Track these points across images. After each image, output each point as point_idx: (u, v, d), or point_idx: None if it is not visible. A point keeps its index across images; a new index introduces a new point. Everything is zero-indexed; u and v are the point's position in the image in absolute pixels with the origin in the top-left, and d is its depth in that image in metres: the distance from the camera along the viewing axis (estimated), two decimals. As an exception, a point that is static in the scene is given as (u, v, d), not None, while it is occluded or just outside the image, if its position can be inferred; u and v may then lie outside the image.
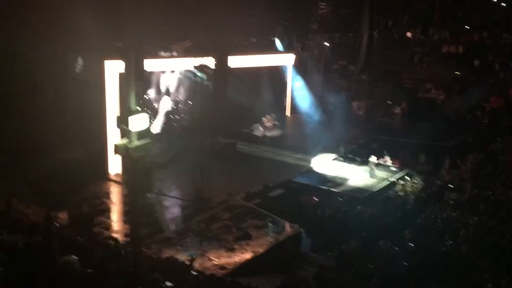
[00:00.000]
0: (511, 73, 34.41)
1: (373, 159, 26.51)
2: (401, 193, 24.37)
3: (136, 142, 12.95)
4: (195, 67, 22.63)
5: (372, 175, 26.21)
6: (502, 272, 16.71)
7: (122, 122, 12.87)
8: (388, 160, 27.92)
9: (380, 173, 26.68)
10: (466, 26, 37.81)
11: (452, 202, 22.54)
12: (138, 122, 12.91)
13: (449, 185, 24.50)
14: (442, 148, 29.38)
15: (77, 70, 25.74)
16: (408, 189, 24.55)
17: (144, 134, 13.09)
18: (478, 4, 37.35)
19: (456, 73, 36.30)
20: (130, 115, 12.74)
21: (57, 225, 17.93)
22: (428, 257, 18.02)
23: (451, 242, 18.93)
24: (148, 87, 28.21)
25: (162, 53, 27.70)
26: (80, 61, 25.62)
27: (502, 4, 37.62)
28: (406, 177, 26.02)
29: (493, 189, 23.18)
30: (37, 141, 22.98)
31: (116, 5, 15.20)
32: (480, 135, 31.78)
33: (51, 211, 19.23)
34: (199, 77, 22.62)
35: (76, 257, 10.26)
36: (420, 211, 22.27)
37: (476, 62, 35.93)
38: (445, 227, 20.33)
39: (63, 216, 19.72)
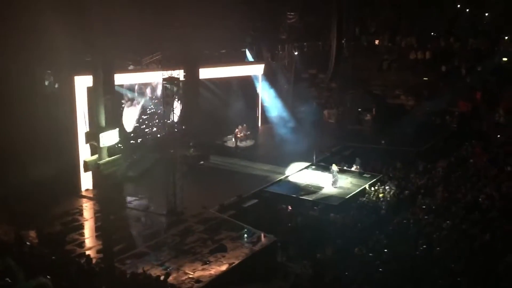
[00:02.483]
0: (477, 78, 35.00)
1: (334, 167, 26.66)
2: (374, 199, 24.53)
3: (106, 158, 12.85)
4: (164, 79, 22.53)
5: (334, 183, 26.30)
6: (476, 274, 16.91)
7: (92, 138, 12.77)
8: (358, 167, 28.11)
9: (353, 180, 26.87)
10: (432, 33, 38.43)
11: (425, 207, 22.75)
12: (108, 137, 12.81)
13: (421, 189, 24.75)
14: (413, 153, 29.71)
15: (46, 85, 25.45)
16: (381, 195, 24.73)
17: (115, 148, 13.00)
18: (444, 11, 37.94)
19: (424, 79, 36.81)
20: (100, 131, 12.64)
21: (29, 244, 17.62)
22: (403, 261, 18.16)
23: (425, 246, 19.09)
24: (119, 100, 28.02)
25: (132, 67, 27.57)
26: (49, 76, 25.33)
27: (467, 10, 38.32)
28: (378, 183, 26.21)
29: (464, 192, 23.48)
30: (6, 157, 22.59)
31: (86, 19, 15.12)
32: (450, 139, 32.23)
33: (22, 230, 18.97)
34: (169, 89, 22.49)
35: (48, 277, 10.07)
36: (393, 216, 22.45)
37: (444, 68, 36.49)
38: (418, 231, 20.50)
39: (34, 234, 19.37)
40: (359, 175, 27.53)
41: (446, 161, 27.71)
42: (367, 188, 25.71)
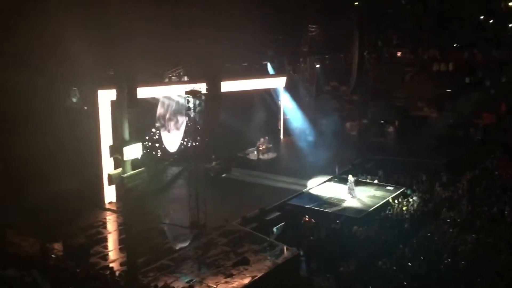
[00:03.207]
0: (502, 89, 34.66)
1: (351, 178, 26.57)
2: (398, 212, 24.32)
3: (130, 171, 12.95)
4: (187, 92, 22.68)
5: (351, 193, 26.24)
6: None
7: (116, 151, 12.90)
8: (377, 180, 27.95)
9: (376, 193, 26.69)
10: (455, 44, 38.20)
11: (449, 220, 22.50)
12: (132, 151, 12.93)
13: (445, 202, 24.49)
14: (437, 166, 29.42)
15: (71, 100, 25.78)
16: (404, 208, 24.51)
17: (138, 162, 13.10)
18: (466, 22, 37.73)
19: (447, 91, 36.54)
20: (124, 145, 12.75)
21: (53, 256, 17.80)
22: (428, 275, 17.96)
23: (449, 259, 18.86)
24: (142, 114, 28.23)
25: (155, 80, 27.79)
26: (73, 91, 25.68)
27: (490, 21, 38.05)
28: (402, 195, 26.00)
29: (489, 205, 23.19)
30: (32, 171, 22.92)
31: (109, 34, 15.33)
32: (474, 151, 31.89)
33: (47, 243, 19.16)
34: (191, 102, 22.64)
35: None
36: (417, 229, 22.23)
37: (467, 79, 36.20)
38: (443, 244, 20.27)
39: (59, 247, 19.55)
40: (382, 187, 27.34)
41: (471, 174, 27.41)
42: (391, 200, 25.50)
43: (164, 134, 28.27)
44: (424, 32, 38.80)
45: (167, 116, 28.46)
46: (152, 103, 27.95)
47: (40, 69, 23.11)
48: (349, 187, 26.35)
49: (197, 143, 23.39)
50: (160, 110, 28.28)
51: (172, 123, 28.49)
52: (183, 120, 28.23)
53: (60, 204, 22.58)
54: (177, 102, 28.27)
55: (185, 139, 28.91)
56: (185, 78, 28.25)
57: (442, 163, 30.00)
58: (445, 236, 20.99)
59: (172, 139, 28.38)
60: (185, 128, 28.23)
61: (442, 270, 18.43)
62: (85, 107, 25.00)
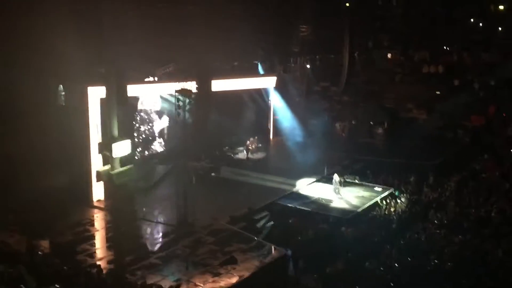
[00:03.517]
0: (490, 92, 34.86)
1: (336, 177, 26.72)
2: (386, 213, 24.41)
3: (119, 168, 12.93)
4: (177, 91, 22.62)
5: (336, 192, 26.44)
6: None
7: (105, 148, 12.87)
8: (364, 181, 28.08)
9: (364, 194, 26.77)
10: (445, 47, 38.43)
11: (436, 221, 22.61)
12: (121, 148, 12.90)
13: (433, 203, 24.61)
14: (425, 167, 29.55)
15: (59, 96, 25.64)
16: (392, 208, 24.61)
17: (127, 159, 13.07)
18: (457, 25, 37.96)
19: (436, 93, 36.73)
20: (113, 142, 12.73)
21: (40, 253, 17.72)
22: (414, 276, 18.04)
23: (436, 260, 18.96)
24: (131, 112, 28.22)
25: (145, 78, 27.74)
26: (62, 87, 25.53)
27: (480, 24, 38.31)
28: (390, 196, 26.10)
29: (476, 206, 23.32)
30: (19, 168, 22.77)
31: (98, 31, 15.29)
32: (462, 153, 32.07)
33: (34, 240, 19.05)
34: (181, 101, 22.58)
35: (58, 286, 10.15)
36: (404, 230, 22.32)
37: (456, 82, 36.41)
38: (430, 245, 20.37)
39: (45, 244, 19.45)
40: (371, 188, 27.42)
41: (459, 176, 27.56)
42: (379, 201, 25.59)
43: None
44: (414, 34, 38.98)
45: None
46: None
47: (28, 66, 22.91)
48: (334, 187, 26.49)
49: (187, 142, 23.33)
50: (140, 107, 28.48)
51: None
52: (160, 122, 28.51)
53: (47, 201, 22.46)
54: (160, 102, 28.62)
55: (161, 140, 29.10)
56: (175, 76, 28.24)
57: (430, 164, 30.12)
58: (433, 237, 21.09)
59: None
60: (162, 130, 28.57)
61: (429, 270, 18.51)
62: (71, 103, 24.88)
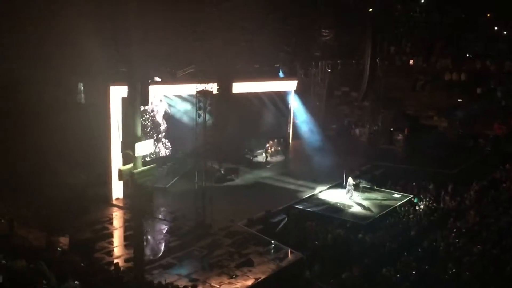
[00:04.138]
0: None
1: (350, 180, 26.89)
2: (404, 220, 24.25)
3: (141, 167, 13.02)
4: (198, 92, 22.73)
5: (349, 195, 26.56)
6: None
7: (128, 147, 12.95)
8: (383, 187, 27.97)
9: (383, 200, 26.65)
10: (468, 55, 38.12)
11: (455, 230, 22.41)
12: (143, 147, 13.00)
13: (452, 212, 24.41)
14: (445, 175, 29.33)
15: (81, 95, 25.87)
16: (411, 216, 24.44)
17: (148, 157, 13.17)
18: (480, 33, 37.65)
19: (458, 101, 36.46)
20: (136, 141, 12.82)
21: (59, 250, 17.89)
22: (432, 284, 17.89)
23: (454, 270, 18.78)
24: (152, 112, 28.46)
25: (167, 79, 27.87)
26: (84, 86, 25.75)
27: (504, 32, 37.95)
28: (408, 203, 25.93)
29: (496, 216, 23.07)
30: (40, 165, 23.01)
31: (122, 30, 15.38)
32: (483, 162, 31.77)
33: (53, 236, 19.23)
34: (202, 102, 22.68)
35: (77, 282, 10.24)
36: (422, 238, 22.15)
37: (479, 90, 36.09)
38: (448, 254, 20.19)
39: (64, 241, 19.63)
40: (390, 195, 27.28)
41: (479, 185, 27.30)
42: (397, 208, 25.44)
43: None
44: (437, 41, 38.74)
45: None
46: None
47: (51, 64, 23.14)
48: (347, 189, 26.62)
49: (206, 143, 23.40)
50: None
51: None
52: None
53: (67, 198, 22.68)
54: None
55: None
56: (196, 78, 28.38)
57: (450, 172, 29.91)
58: (451, 246, 20.90)
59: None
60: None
61: (446, 279, 18.35)
62: (92, 102, 25.08)
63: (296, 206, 25.59)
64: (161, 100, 29.07)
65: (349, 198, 26.43)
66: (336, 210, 25.51)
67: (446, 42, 38.66)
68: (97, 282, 14.58)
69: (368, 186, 27.68)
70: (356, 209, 25.72)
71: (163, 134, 29.49)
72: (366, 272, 19.27)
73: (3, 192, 21.48)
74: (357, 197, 26.71)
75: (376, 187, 28.12)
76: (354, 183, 26.91)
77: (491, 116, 34.59)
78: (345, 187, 27.12)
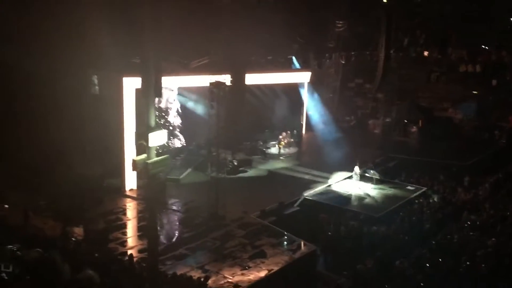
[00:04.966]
0: (529, 93, 34.18)
1: (357, 169, 27.04)
2: (418, 212, 24.12)
3: (154, 158, 13.03)
4: (211, 84, 22.71)
5: (356, 183, 26.81)
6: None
7: (141, 138, 12.97)
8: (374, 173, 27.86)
9: (396, 192, 26.52)
10: (483, 46, 37.70)
11: (470, 222, 22.26)
12: (157, 138, 13.01)
13: (467, 205, 24.24)
14: (460, 168, 29.12)
15: (95, 86, 25.94)
16: (425, 208, 24.30)
17: (161, 149, 13.20)
18: (496, 24, 37.20)
19: (473, 92, 36.15)
20: (150, 131, 12.83)
21: (73, 240, 18.02)
22: (446, 277, 17.80)
23: (468, 262, 18.66)
24: (166, 103, 28.49)
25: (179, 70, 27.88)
26: (98, 78, 25.82)
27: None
28: (422, 196, 25.78)
29: (511, 209, 22.89)
30: (54, 156, 23.16)
31: (135, 22, 15.37)
32: (498, 154, 31.50)
33: (67, 226, 19.38)
34: (215, 94, 22.67)
35: (94, 272, 10.29)
36: (437, 230, 22.04)
37: (494, 82, 35.74)
38: (462, 247, 20.06)
39: (79, 231, 19.76)
40: (403, 187, 27.14)
41: (494, 177, 27.07)
42: (411, 200, 25.29)
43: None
44: (452, 32, 38.34)
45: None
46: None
47: (66, 57, 23.23)
48: (354, 178, 26.83)
49: (219, 134, 23.40)
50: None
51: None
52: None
53: (81, 189, 22.81)
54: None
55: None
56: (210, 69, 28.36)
57: (465, 165, 29.68)
58: (465, 238, 20.77)
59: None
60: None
61: (460, 272, 18.24)
62: (106, 93, 25.15)
63: (309, 198, 25.54)
64: (174, 100, 29.10)
65: (356, 186, 26.50)
66: (349, 202, 25.43)
67: (461, 34, 38.23)
68: (110, 272, 14.66)
69: (380, 178, 27.49)
70: (369, 201, 25.62)
71: (177, 130, 29.54)
72: (379, 265, 19.22)
73: (18, 183, 21.63)
74: (370, 188, 26.60)
75: (390, 179, 27.96)
76: (361, 171, 26.92)
77: (506, 108, 34.23)
78: (364, 181, 27.09)
